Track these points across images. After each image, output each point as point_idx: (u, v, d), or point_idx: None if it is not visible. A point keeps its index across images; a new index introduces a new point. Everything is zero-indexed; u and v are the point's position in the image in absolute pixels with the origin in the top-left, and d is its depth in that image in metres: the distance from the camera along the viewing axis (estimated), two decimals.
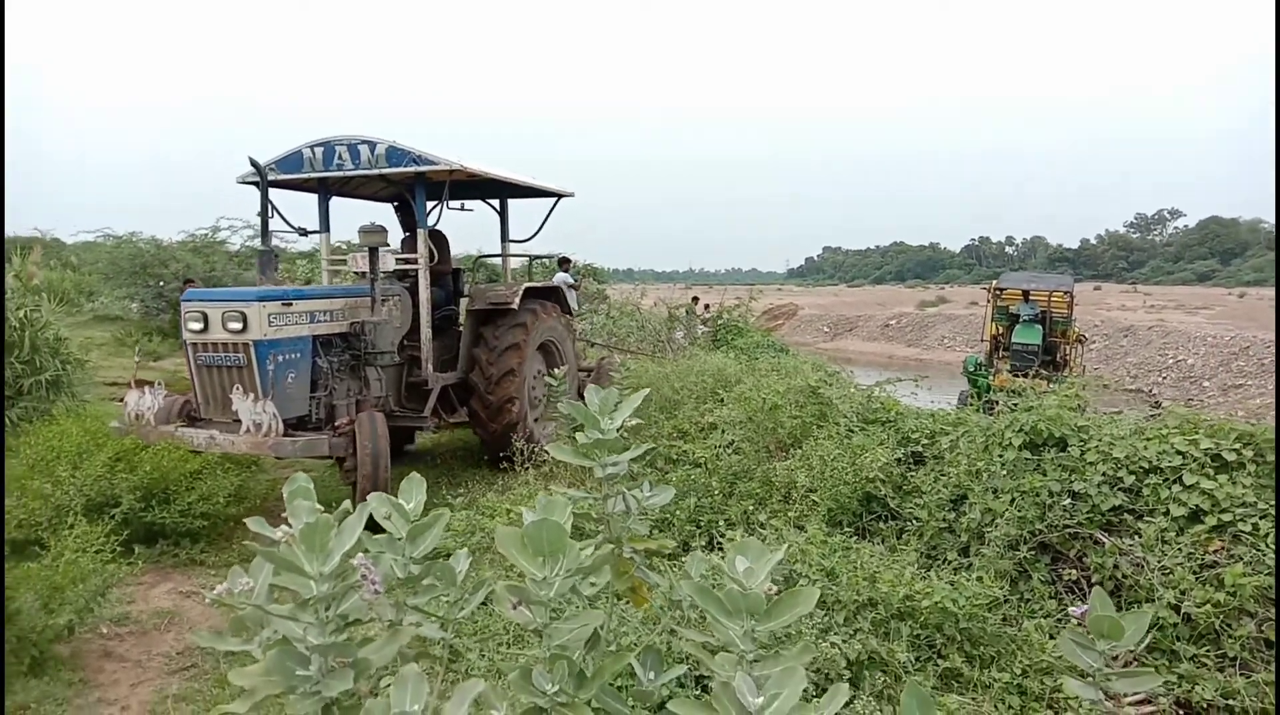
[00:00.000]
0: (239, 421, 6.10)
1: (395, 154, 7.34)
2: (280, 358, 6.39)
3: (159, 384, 6.62)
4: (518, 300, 8.32)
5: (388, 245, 7.27)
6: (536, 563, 1.48)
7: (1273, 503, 4.12)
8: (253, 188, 7.46)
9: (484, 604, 3.43)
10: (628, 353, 14.03)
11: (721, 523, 5.29)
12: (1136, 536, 4.28)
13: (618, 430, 1.86)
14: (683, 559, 1.82)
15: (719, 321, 16.02)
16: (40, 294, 9.31)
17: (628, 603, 2.04)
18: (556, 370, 8.09)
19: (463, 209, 9.19)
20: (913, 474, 5.29)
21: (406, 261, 8.05)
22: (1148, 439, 4.68)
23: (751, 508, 5.46)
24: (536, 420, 8.69)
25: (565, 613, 1.62)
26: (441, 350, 8.26)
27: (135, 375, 6.77)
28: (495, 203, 9.85)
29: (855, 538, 4.81)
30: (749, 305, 17.03)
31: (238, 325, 6.21)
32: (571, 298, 16.39)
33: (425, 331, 7.82)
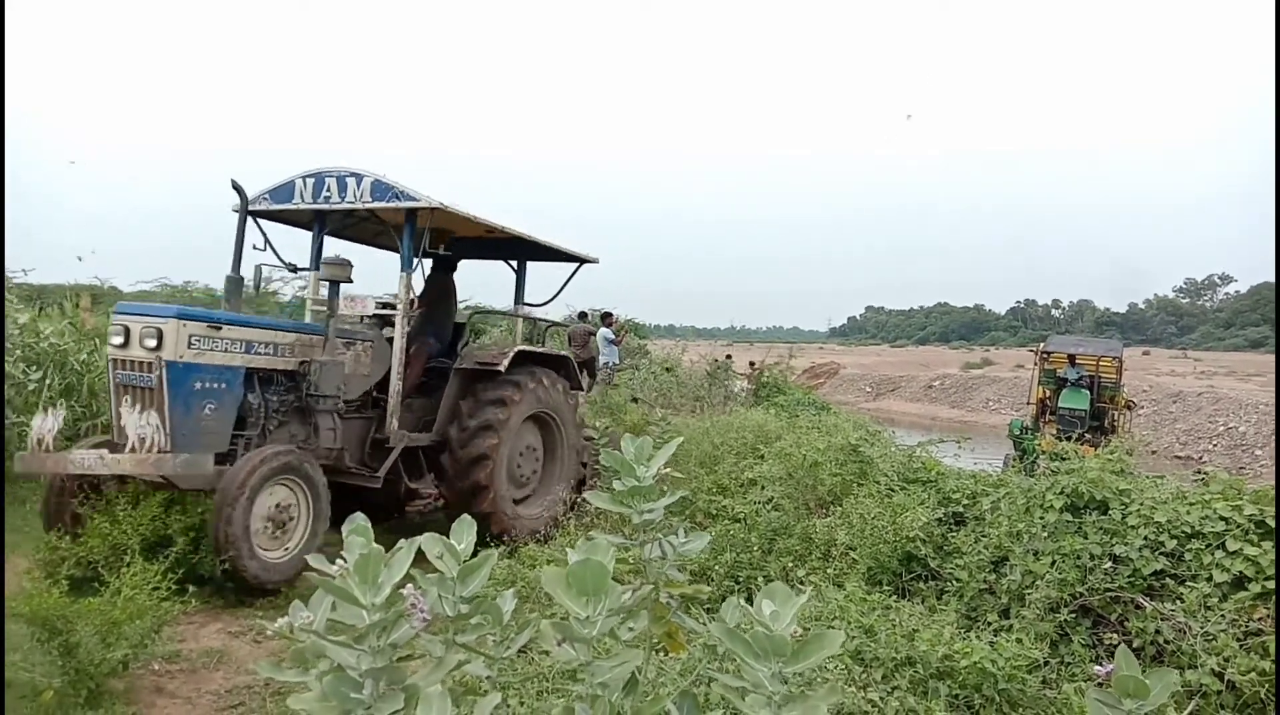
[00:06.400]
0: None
1: (380, 188, 6.85)
2: (199, 385, 5.87)
3: (59, 404, 6.15)
4: (506, 363, 7.45)
5: (350, 281, 6.90)
6: (580, 602, 1.54)
7: None
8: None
9: (522, 651, 3.49)
10: (668, 408, 14.14)
11: (760, 579, 5.30)
12: (1179, 601, 4.24)
13: (653, 478, 1.94)
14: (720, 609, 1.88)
15: (762, 378, 16.11)
16: (95, 340, 9.58)
17: (664, 651, 2.10)
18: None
19: (443, 252, 8.35)
20: (953, 534, 5.29)
21: (389, 307, 7.48)
22: (1190, 504, 4.65)
23: (791, 564, 5.47)
24: (519, 502, 7.76)
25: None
26: (426, 409, 7.53)
27: None
28: (514, 263, 9.21)
29: (895, 597, 4.80)
30: (789, 363, 17.11)
31: (152, 342, 5.71)
32: (614, 353, 16.54)
33: (394, 382, 7.03)
